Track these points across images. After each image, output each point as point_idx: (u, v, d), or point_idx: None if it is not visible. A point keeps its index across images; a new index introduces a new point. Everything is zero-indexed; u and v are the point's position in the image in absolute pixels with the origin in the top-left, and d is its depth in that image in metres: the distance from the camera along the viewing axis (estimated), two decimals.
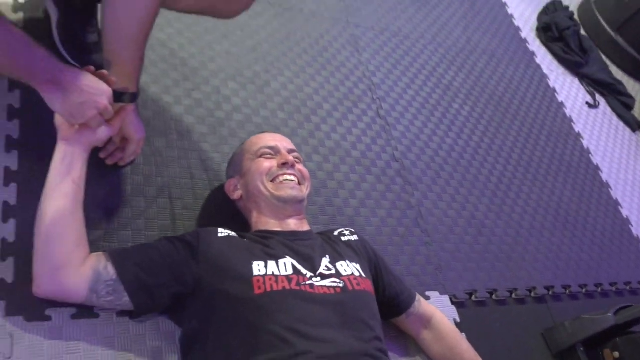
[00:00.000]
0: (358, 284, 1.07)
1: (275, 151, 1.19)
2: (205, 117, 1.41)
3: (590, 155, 2.21)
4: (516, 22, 2.59)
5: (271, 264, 1.03)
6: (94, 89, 0.95)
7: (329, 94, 1.69)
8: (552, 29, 2.55)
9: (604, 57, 2.76)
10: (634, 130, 2.52)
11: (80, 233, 0.98)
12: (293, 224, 1.15)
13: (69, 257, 0.95)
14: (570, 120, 2.30)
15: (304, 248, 1.10)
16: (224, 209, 1.24)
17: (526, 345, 1.52)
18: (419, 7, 2.25)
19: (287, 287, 0.99)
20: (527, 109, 2.19)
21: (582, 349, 1.52)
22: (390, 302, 1.22)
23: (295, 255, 1.07)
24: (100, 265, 0.97)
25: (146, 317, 1.05)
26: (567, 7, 2.72)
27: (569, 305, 1.68)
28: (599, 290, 1.76)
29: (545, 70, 2.44)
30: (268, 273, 1.01)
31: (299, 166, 1.19)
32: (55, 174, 0.98)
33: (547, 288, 1.66)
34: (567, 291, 1.70)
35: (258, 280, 0.99)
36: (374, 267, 1.20)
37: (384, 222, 1.49)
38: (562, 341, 1.53)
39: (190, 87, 1.44)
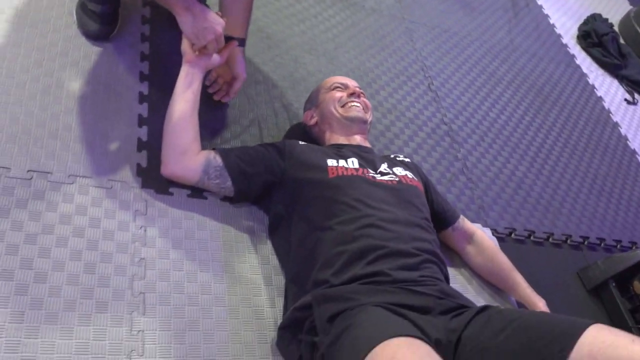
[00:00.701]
0: (411, 180, 1.34)
1: (344, 86, 1.49)
2: (286, 76, 1.74)
3: (627, 142, 2.40)
4: (557, 31, 2.85)
5: (341, 160, 1.31)
6: (214, 19, 1.28)
7: (387, 69, 1.99)
8: (592, 35, 2.79)
9: None
10: None
11: (197, 131, 1.30)
12: (359, 139, 1.43)
13: (189, 145, 1.27)
14: (609, 112, 2.51)
15: (367, 155, 1.38)
16: (300, 138, 1.54)
17: (562, 282, 1.70)
18: (467, 12, 2.56)
19: (355, 174, 1.27)
20: (567, 99, 2.41)
21: (613, 284, 1.69)
22: (439, 215, 1.46)
23: (360, 158, 1.34)
24: (210, 155, 1.28)
25: (242, 204, 1.35)
26: (606, 19, 2.96)
27: (603, 255, 1.84)
28: (633, 247, 1.92)
29: (585, 70, 2.67)
30: (339, 165, 1.29)
31: (363, 98, 1.48)
32: (180, 85, 1.31)
33: (583, 237, 1.84)
34: (602, 244, 1.87)
35: (331, 168, 1.27)
36: (424, 184, 1.45)
37: (434, 168, 1.75)
38: (595, 278, 1.71)
39: (275, 54, 1.78)
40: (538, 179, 1.95)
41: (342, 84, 1.50)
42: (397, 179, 1.31)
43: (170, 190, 1.29)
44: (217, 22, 1.29)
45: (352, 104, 1.45)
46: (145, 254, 1.17)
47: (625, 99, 2.66)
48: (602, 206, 2.00)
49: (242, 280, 1.23)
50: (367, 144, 1.46)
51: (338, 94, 1.46)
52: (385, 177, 1.31)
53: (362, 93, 1.49)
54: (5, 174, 1.15)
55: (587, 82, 2.61)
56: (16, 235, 1.08)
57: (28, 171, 1.18)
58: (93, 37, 1.48)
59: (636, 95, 2.73)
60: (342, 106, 1.45)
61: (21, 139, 1.22)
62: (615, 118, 2.49)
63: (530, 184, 1.91)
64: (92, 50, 1.46)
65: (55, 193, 1.18)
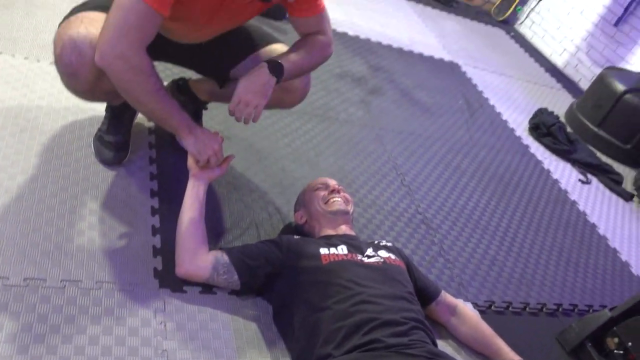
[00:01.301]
0: (394, 260, 1.54)
1: (325, 185, 1.73)
2: (276, 183, 1.97)
3: (586, 217, 2.65)
4: (510, 125, 3.20)
5: (332, 248, 1.52)
6: (212, 138, 1.53)
7: (364, 170, 2.25)
8: (541, 126, 3.14)
9: (590, 147, 3.30)
10: (626, 200, 2.96)
11: (204, 234, 1.50)
12: (345, 229, 1.65)
13: (199, 247, 1.47)
14: (566, 192, 2.78)
15: (354, 242, 1.58)
16: (293, 235, 1.75)
17: (543, 347, 1.85)
18: (428, 116, 2.89)
19: (345, 258, 1.47)
20: (526, 184, 2.69)
21: (589, 344, 1.85)
22: (422, 292, 1.64)
23: (348, 245, 1.55)
24: (218, 254, 1.48)
25: (248, 296, 1.52)
26: (552, 112, 3.33)
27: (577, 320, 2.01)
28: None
29: (539, 158, 2.98)
30: (331, 252, 1.49)
31: (343, 193, 1.71)
32: (188, 196, 1.53)
33: (557, 305, 2.02)
34: (575, 309, 2.05)
35: (324, 256, 1.47)
36: (406, 264, 1.65)
37: (414, 252, 1.95)
38: (572, 340, 1.87)
39: (265, 165, 2.03)
40: (509, 255, 2.16)
41: (323, 183, 1.74)
42: (382, 260, 1.51)
43: (184, 288, 1.47)
44: (214, 140, 1.54)
45: (334, 199, 1.68)
46: (166, 346, 1.32)
47: (579, 180, 2.95)
48: (571, 275, 2.20)
49: None
50: (353, 233, 1.67)
51: (321, 193, 1.70)
52: (372, 260, 1.51)
53: (341, 189, 1.72)
54: (42, 284, 1.33)
55: (543, 168, 2.91)
56: (54, 337, 1.23)
57: (61, 281, 1.36)
58: (109, 163, 1.72)
59: (589, 175, 3.03)
60: (325, 202, 1.67)
61: (53, 254, 1.40)
62: (572, 197, 2.76)
63: (502, 260, 2.11)
64: (109, 174, 1.69)
65: (85, 298, 1.35)
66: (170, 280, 1.47)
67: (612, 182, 3.03)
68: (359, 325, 1.30)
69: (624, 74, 3.46)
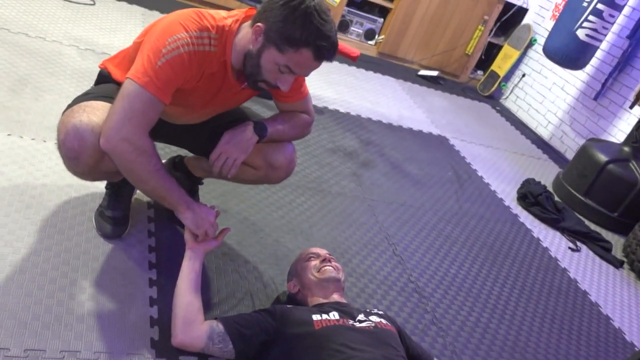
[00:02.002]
0: (386, 325, 1.58)
1: (317, 255, 1.79)
2: (271, 254, 2.03)
3: (577, 284, 2.69)
4: (499, 195, 3.29)
5: (324, 315, 1.56)
6: (208, 212, 1.62)
7: (356, 240, 2.32)
8: (528, 196, 3.24)
9: (578, 215, 3.38)
10: (617, 267, 3.00)
11: (200, 304, 1.55)
12: (336, 297, 1.69)
13: (194, 317, 1.51)
14: (556, 259, 2.83)
15: (345, 308, 1.63)
16: (286, 304, 1.79)
17: None
18: (418, 188, 2.99)
19: (337, 323, 1.51)
20: (516, 252, 2.75)
21: None
22: (415, 359, 1.66)
23: (340, 312, 1.59)
24: (213, 324, 1.52)
25: None
26: (539, 182, 3.44)
27: None
28: None
29: (528, 226, 3.06)
30: (323, 318, 1.54)
31: (334, 262, 1.77)
32: (184, 268, 1.59)
33: None
34: None
35: (317, 322, 1.52)
36: (398, 331, 1.68)
37: (406, 321, 1.98)
38: None
39: (260, 237, 2.10)
40: (502, 322, 2.18)
41: (314, 253, 1.80)
42: (373, 325, 1.55)
43: (180, 358, 1.50)
44: (210, 214, 1.62)
45: (325, 267, 1.73)
46: None
47: (569, 247, 3.01)
48: (564, 342, 2.22)
49: None
50: (345, 300, 1.71)
51: (313, 262, 1.76)
52: (364, 324, 1.55)
53: (332, 258, 1.78)
54: (42, 355, 1.36)
55: (532, 236, 2.98)
56: None
57: (60, 352, 1.39)
58: (109, 237, 1.79)
59: (578, 243, 3.09)
60: (318, 271, 1.73)
61: (54, 325, 1.44)
62: (563, 264, 2.81)
63: (495, 328, 2.13)
64: (109, 247, 1.76)
65: None
66: (167, 350, 1.50)
67: (602, 249, 3.09)
68: None
69: (605, 145, 3.61)
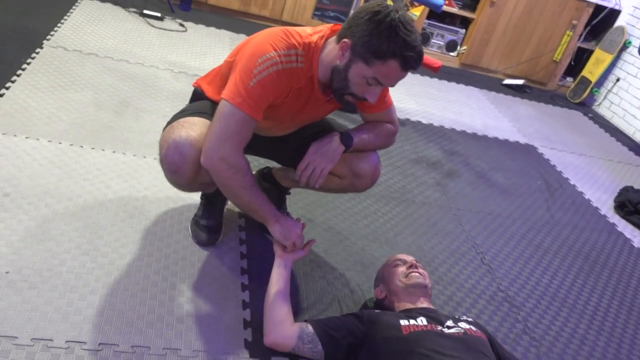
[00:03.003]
0: (476, 332, 1.55)
1: (403, 261, 1.80)
2: (357, 262, 2.07)
3: None
4: (594, 204, 3.14)
5: (412, 320, 1.56)
6: (295, 225, 1.68)
7: (443, 249, 2.30)
8: (627, 204, 3.07)
9: None
10: None
11: (290, 307, 1.61)
12: (424, 304, 1.69)
13: (285, 317, 1.57)
14: None
15: (433, 314, 1.62)
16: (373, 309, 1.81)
17: None
18: (506, 197, 2.92)
19: (425, 329, 1.51)
20: (615, 262, 2.60)
21: None
22: None
23: (428, 317, 1.59)
24: (303, 325, 1.57)
25: None
26: (638, 189, 3.24)
27: None
28: None
29: (628, 236, 2.89)
30: (411, 323, 1.54)
31: (420, 269, 1.77)
32: (274, 274, 1.66)
33: None
34: None
35: (405, 327, 1.52)
36: (489, 338, 1.65)
37: (497, 330, 1.94)
38: None
39: (345, 245, 2.13)
40: (600, 334, 2.08)
41: (401, 259, 1.81)
42: (462, 331, 1.53)
43: (272, 358, 1.55)
44: (297, 227, 1.70)
45: (412, 273, 1.74)
46: None
47: None
48: None
49: None
50: (432, 306, 1.70)
51: (400, 269, 1.77)
52: (453, 330, 1.53)
53: (419, 264, 1.79)
54: (147, 352, 1.46)
55: (632, 246, 2.81)
56: None
57: (163, 349, 1.49)
58: (204, 244, 1.89)
59: None
60: (405, 277, 1.74)
61: (156, 325, 1.55)
62: None
63: (593, 340, 2.03)
64: (204, 254, 1.86)
65: None
66: (260, 350, 1.56)
67: None
68: None
69: None
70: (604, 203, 3.21)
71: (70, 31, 3.25)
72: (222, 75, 1.68)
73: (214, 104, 1.63)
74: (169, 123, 1.67)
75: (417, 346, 1.45)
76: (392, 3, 1.47)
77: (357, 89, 1.53)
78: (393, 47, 1.42)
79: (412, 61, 1.45)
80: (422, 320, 1.56)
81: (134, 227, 1.89)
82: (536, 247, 2.54)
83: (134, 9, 3.89)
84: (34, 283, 1.56)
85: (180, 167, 1.56)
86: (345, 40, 1.47)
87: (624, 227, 3.00)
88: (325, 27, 1.62)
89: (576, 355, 1.93)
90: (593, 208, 3.10)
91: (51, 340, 1.41)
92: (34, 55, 2.82)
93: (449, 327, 1.55)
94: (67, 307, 1.52)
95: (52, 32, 3.15)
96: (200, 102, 1.74)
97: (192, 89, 1.83)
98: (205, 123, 1.58)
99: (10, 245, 1.66)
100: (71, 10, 3.54)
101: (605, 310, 2.23)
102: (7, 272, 1.56)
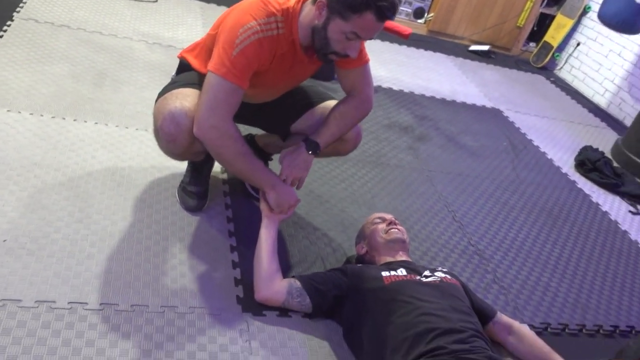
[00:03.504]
0: (450, 279, 1.69)
1: (382, 219, 1.92)
2: (338, 223, 2.18)
3: (638, 245, 2.71)
4: (556, 163, 3.32)
5: (392, 272, 1.69)
6: (289, 194, 1.76)
7: (417, 209, 2.43)
8: (586, 162, 3.25)
9: (638, 180, 3.36)
10: None
11: (278, 265, 1.71)
12: (402, 256, 1.82)
13: (274, 274, 1.68)
14: (616, 222, 2.85)
15: (412, 265, 1.75)
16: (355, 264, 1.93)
17: None
18: (475, 159, 3.07)
19: (405, 279, 1.64)
20: (575, 216, 2.79)
21: None
22: (479, 313, 1.76)
23: (407, 269, 1.72)
24: (291, 280, 1.68)
25: (319, 319, 1.70)
26: (597, 149, 3.43)
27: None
28: None
29: (587, 192, 3.08)
30: (392, 274, 1.66)
31: (399, 225, 1.90)
32: (262, 233, 1.76)
33: (614, 327, 2.09)
34: (633, 331, 2.11)
35: (386, 277, 1.65)
36: (463, 285, 1.79)
37: (469, 280, 2.09)
38: (631, 356, 1.93)
39: (326, 207, 2.24)
40: (563, 281, 2.25)
41: (380, 217, 1.93)
42: (439, 279, 1.67)
43: (264, 312, 1.66)
44: (292, 197, 1.78)
45: (392, 229, 1.86)
46: None
47: (630, 211, 3.02)
48: (626, 299, 2.27)
49: None
50: (410, 259, 1.84)
51: (380, 226, 1.89)
52: (430, 279, 1.67)
53: (397, 221, 1.91)
54: (145, 310, 1.55)
55: (591, 201, 3.00)
56: (159, 353, 1.44)
57: (161, 307, 1.58)
58: (192, 209, 1.97)
59: (639, 206, 3.09)
60: (385, 233, 1.86)
61: (152, 285, 1.64)
62: (623, 227, 2.83)
63: (556, 286, 2.21)
64: (192, 219, 1.94)
65: (181, 321, 1.56)
66: (251, 305, 1.67)
67: None
68: (423, 334, 1.45)
69: None
70: (565, 162, 3.39)
71: (39, 3, 3.21)
72: (206, 48, 1.74)
73: (202, 75, 1.70)
74: (161, 95, 1.73)
75: (397, 294, 1.58)
76: None
77: (338, 45, 1.59)
78: None
79: (386, 10, 1.51)
80: (402, 271, 1.69)
81: (122, 195, 1.95)
82: (503, 204, 2.70)
83: None
84: (31, 250, 1.62)
85: (177, 136, 1.63)
86: None
87: (584, 184, 3.19)
88: None
89: (541, 300, 2.10)
90: (555, 167, 3.28)
91: (54, 302, 1.49)
92: (5, 28, 2.80)
93: (426, 277, 1.68)
94: (66, 272, 1.59)
95: (20, 5, 3.11)
96: (189, 74, 1.80)
97: (169, 59, 1.91)
98: (196, 93, 1.65)
99: (5, 215, 1.71)
100: None
101: (566, 259, 2.41)
102: (4, 240, 1.62)
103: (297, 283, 1.67)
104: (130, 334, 1.47)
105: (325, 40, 1.58)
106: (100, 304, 1.53)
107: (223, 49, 1.56)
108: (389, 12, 1.52)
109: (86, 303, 1.52)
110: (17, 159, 1.96)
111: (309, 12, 1.62)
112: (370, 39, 1.63)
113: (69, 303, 1.50)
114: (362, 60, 1.82)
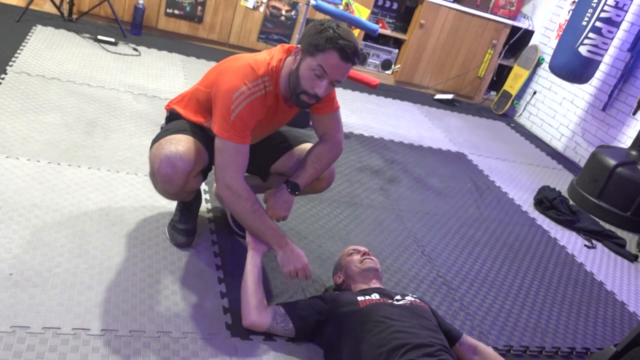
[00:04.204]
0: (420, 303, 1.88)
1: (357, 251, 2.11)
2: (316, 258, 2.35)
3: (593, 276, 2.94)
4: (517, 202, 3.57)
5: (367, 296, 1.87)
6: (298, 256, 1.91)
7: (389, 244, 2.63)
8: (544, 201, 3.51)
9: (592, 217, 3.63)
10: (631, 261, 3.24)
11: (263, 294, 1.88)
12: (376, 284, 2.00)
13: (259, 302, 1.84)
14: (573, 256, 3.09)
15: (385, 291, 1.93)
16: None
17: None
18: (441, 198, 3.30)
19: (378, 302, 1.82)
20: (535, 250, 3.02)
21: None
22: (447, 334, 1.94)
23: (380, 294, 1.90)
24: (275, 307, 1.85)
25: (301, 343, 1.85)
26: (554, 188, 3.71)
27: None
28: None
29: (546, 228, 3.33)
30: (366, 298, 1.84)
31: (372, 256, 2.08)
32: (248, 264, 1.92)
33: (570, 348, 2.28)
34: (588, 352, 2.30)
35: (361, 301, 1.83)
36: (431, 309, 1.97)
37: (438, 308, 2.27)
38: None
39: (305, 243, 2.42)
40: (524, 308, 2.45)
41: (355, 249, 2.12)
42: (409, 302, 1.85)
43: (250, 337, 1.82)
44: (300, 261, 1.89)
45: (366, 259, 2.05)
46: None
47: (585, 245, 3.27)
48: (582, 324, 2.47)
49: None
50: (383, 287, 2.02)
51: (355, 257, 2.08)
52: (401, 302, 1.85)
53: (370, 253, 2.10)
54: (142, 335, 1.69)
55: (550, 237, 3.24)
56: None
57: (157, 332, 1.72)
58: (181, 245, 2.13)
59: (594, 241, 3.34)
60: (360, 263, 2.05)
61: (148, 313, 1.78)
62: (579, 260, 3.07)
63: (517, 312, 2.40)
64: (182, 254, 2.10)
65: (176, 344, 1.70)
66: (239, 331, 1.82)
67: (616, 245, 3.33)
68: (395, 349, 1.62)
69: (613, 150, 3.87)
70: (525, 201, 3.65)
71: (31, 57, 3.41)
72: (195, 99, 1.97)
73: (191, 123, 1.92)
74: (156, 141, 1.92)
75: (372, 315, 1.76)
76: None
77: (307, 83, 1.81)
78: (330, 39, 1.74)
79: (347, 49, 1.76)
80: (375, 296, 1.87)
81: (117, 233, 2.11)
82: (468, 240, 2.92)
83: (88, 35, 4.07)
84: (36, 282, 1.76)
85: (172, 177, 1.82)
86: (297, 46, 1.81)
87: (542, 221, 3.44)
88: (280, 48, 1.92)
89: (504, 325, 2.29)
90: (516, 205, 3.53)
91: (59, 328, 1.62)
92: (0, 81, 2.98)
93: (397, 300, 1.87)
94: (68, 301, 1.73)
95: (13, 59, 3.29)
96: (179, 121, 2.00)
97: (154, 109, 2.16)
98: (188, 139, 1.86)
99: (10, 252, 1.85)
100: (28, 37, 3.69)
101: (527, 288, 2.62)
102: (10, 274, 1.76)
103: (281, 310, 1.83)
104: (130, 356, 1.61)
105: (297, 79, 1.82)
106: (102, 330, 1.66)
107: (221, 114, 1.79)
108: (351, 51, 1.77)
109: (89, 329, 1.65)
110: (18, 200, 2.11)
111: (288, 63, 1.86)
112: (339, 81, 1.85)
113: (72, 329, 1.63)
114: (333, 107, 2.05)
